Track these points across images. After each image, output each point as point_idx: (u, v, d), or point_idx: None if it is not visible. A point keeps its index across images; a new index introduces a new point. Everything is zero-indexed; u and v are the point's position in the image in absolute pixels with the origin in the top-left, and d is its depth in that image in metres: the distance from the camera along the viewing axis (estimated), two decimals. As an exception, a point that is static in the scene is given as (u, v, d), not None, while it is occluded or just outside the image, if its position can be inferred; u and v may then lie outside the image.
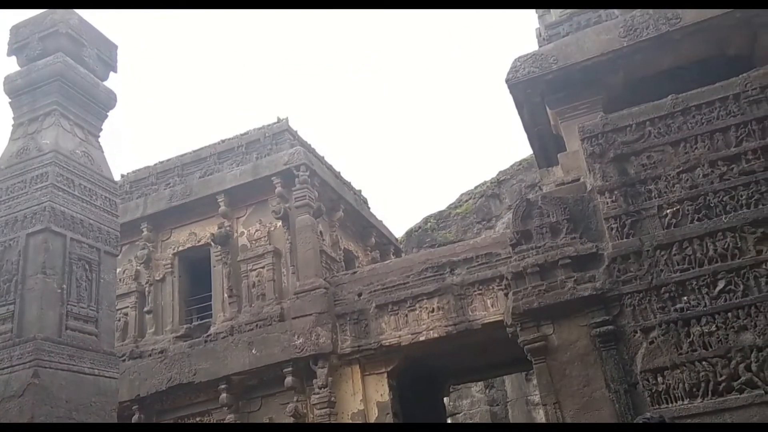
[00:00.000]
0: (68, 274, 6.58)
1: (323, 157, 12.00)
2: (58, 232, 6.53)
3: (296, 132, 11.57)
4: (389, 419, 9.25)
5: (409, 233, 18.97)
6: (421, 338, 9.12)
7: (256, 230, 10.72)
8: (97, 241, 6.97)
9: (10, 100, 7.27)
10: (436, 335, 9.05)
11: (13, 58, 7.36)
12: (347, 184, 12.70)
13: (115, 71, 7.85)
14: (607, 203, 6.19)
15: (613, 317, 5.86)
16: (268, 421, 9.47)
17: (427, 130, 49.74)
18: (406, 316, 9.31)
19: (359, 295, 9.75)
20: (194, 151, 11.77)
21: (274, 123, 11.54)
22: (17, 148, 6.98)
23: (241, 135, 11.60)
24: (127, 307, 10.82)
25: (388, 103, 50.89)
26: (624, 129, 6.37)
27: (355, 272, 10.45)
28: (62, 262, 6.54)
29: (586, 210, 6.43)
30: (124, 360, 9.42)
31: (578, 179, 6.95)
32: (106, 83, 7.69)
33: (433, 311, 9.16)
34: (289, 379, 9.40)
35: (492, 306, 8.85)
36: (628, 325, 5.80)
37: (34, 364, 5.99)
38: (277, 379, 9.53)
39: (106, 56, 7.72)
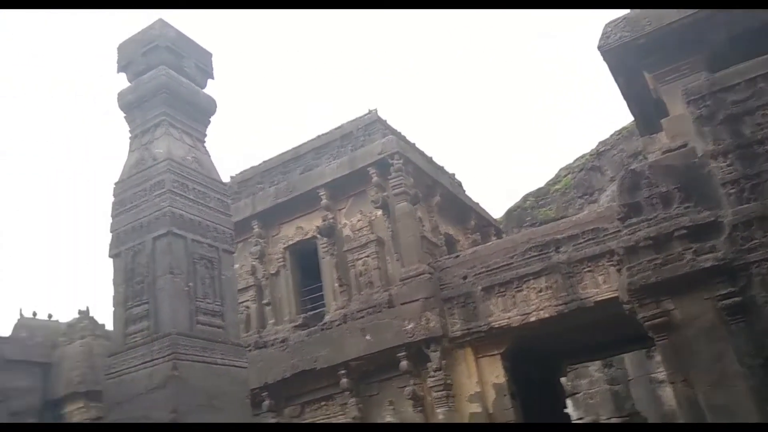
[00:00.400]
0: (193, 273, 7.04)
1: (414, 144, 12.09)
2: (179, 234, 6.99)
3: (386, 121, 11.74)
4: (506, 400, 9.27)
5: (509, 213, 18.71)
6: (531, 319, 9.04)
7: (358, 220, 11.00)
8: (215, 241, 7.41)
9: (124, 115, 7.76)
10: (546, 315, 8.95)
11: (123, 75, 7.84)
12: (441, 169, 12.73)
13: (212, 78, 8.20)
14: (722, 168, 5.86)
15: (740, 288, 5.55)
16: (388, 405, 9.75)
17: (519, 109, 48.64)
18: (514, 297, 9.26)
19: (464, 278, 9.79)
20: (293, 149, 12.22)
21: (365, 114, 11.75)
22: (135, 159, 7.50)
23: (335, 129, 11.92)
24: (248, 300, 11.45)
25: (477, 85, 50.16)
26: (733, 88, 5.98)
27: (457, 256, 10.50)
28: (186, 262, 6.99)
29: (698, 177, 6.11)
30: (249, 350, 9.96)
31: (686, 145, 6.59)
32: (206, 90, 8.06)
33: (541, 291, 9.06)
34: (403, 363, 9.64)
35: (604, 283, 8.63)
36: (758, 296, 5.48)
37: (172, 357, 6.49)
38: (392, 363, 9.79)
39: (203, 65, 8.08)
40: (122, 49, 7.86)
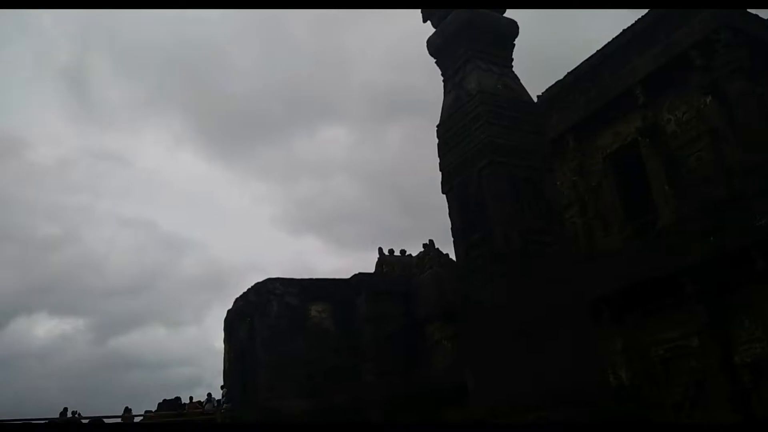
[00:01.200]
0: (517, 196, 7.33)
1: (744, 11, 10.29)
2: (501, 162, 7.31)
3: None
4: None
5: None
6: None
7: (684, 112, 9.99)
8: (533, 162, 7.56)
9: (435, 60, 8.24)
10: None
11: (428, 24, 8.31)
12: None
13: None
14: None
15: None
16: (743, 311, 8.85)
17: None
18: None
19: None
20: (599, 51, 11.52)
21: (677, -8, 10.39)
22: (451, 99, 7.97)
23: (640, 19, 10.83)
24: (572, 216, 11.46)
25: None
26: None
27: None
28: (510, 187, 7.30)
29: None
30: (580, 265, 10.02)
31: None
32: (506, 14, 8.03)
33: None
34: (761, 264, 8.58)
35: None
36: None
37: (510, 276, 6.93)
38: (744, 264, 8.81)
39: (497, -10, 8.07)
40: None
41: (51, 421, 14.13)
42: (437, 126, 7.93)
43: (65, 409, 15.10)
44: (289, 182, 56.36)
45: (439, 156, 7.98)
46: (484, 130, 7.25)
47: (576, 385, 6.53)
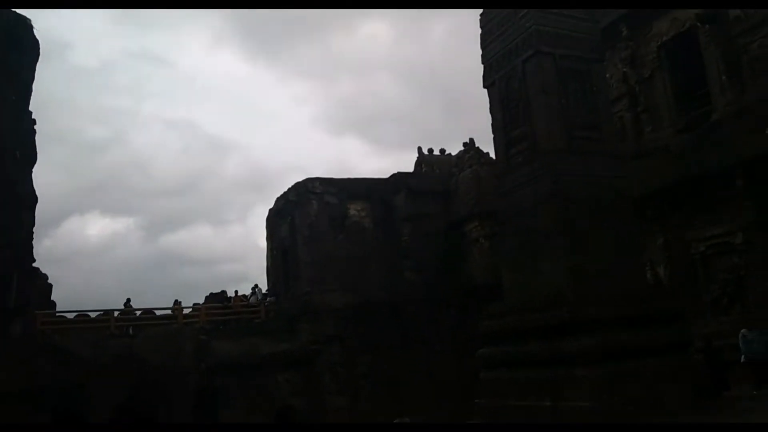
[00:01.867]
0: (564, 88, 6.98)
1: None
2: (547, 52, 6.92)
3: None
4: None
5: None
6: None
7: (749, -4, 9.16)
8: (583, 52, 7.14)
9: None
10: None
11: None
12: None
13: None
14: None
15: None
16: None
17: None
18: None
19: None
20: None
21: None
22: (495, -17, 7.47)
23: None
24: (621, 110, 10.93)
25: None
26: None
27: None
28: (556, 79, 6.95)
29: None
30: (628, 160, 9.68)
31: None
32: None
33: None
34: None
35: None
36: None
37: (553, 173, 6.75)
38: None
39: None
40: None
41: (107, 312, 14.94)
42: (480, 14, 7.47)
43: (128, 300, 15.97)
44: (330, 81, 55.44)
45: (481, 48, 7.60)
46: (531, 17, 6.81)
47: (614, 282, 6.52)
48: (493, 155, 11.20)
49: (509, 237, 7.27)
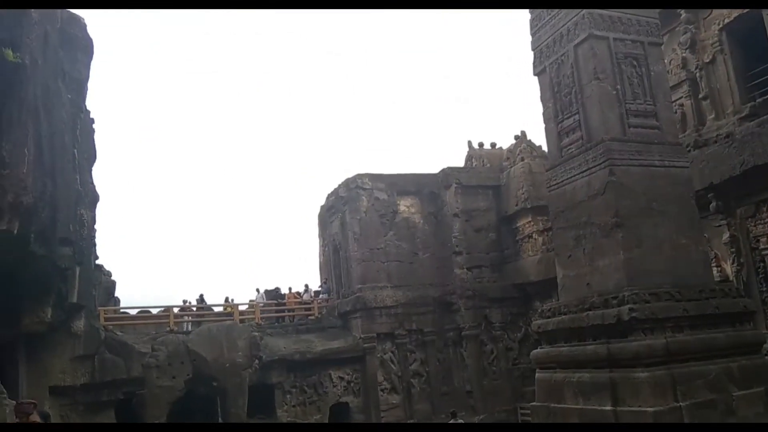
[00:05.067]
0: (619, 74, 6.65)
1: None
2: (600, 36, 6.61)
3: None
4: None
5: None
6: None
7: (822, -29, 8.56)
8: (639, 35, 6.80)
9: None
10: None
11: None
12: None
13: None
14: None
15: None
16: None
17: None
18: None
19: None
20: None
21: None
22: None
23: None
24: (681, 97, 10.41)
25: None
26: None
27: None
28: (611, 64, 6.63)
29: None
30: (689, 150, 9.23)
31: None
32: None
33: None
34: None
35: None
36: None
37: (608, 163, 6.43)
38: None
39: None
40: None
41: (167, 309, 15.35)
42: (529, -1, 7.22)
43: (201, 296, 16.56)
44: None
45: (531, 34, 7.35)
46: None
47: (677, 278, 6.19)
48: (545, 147, 10.90)
49: (563, 231, 6.99)
